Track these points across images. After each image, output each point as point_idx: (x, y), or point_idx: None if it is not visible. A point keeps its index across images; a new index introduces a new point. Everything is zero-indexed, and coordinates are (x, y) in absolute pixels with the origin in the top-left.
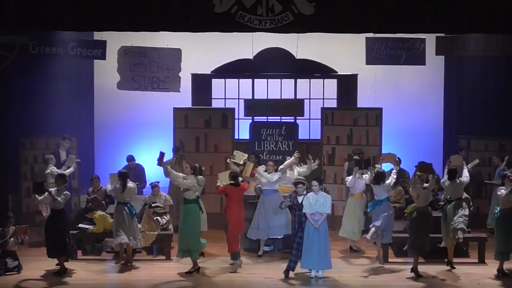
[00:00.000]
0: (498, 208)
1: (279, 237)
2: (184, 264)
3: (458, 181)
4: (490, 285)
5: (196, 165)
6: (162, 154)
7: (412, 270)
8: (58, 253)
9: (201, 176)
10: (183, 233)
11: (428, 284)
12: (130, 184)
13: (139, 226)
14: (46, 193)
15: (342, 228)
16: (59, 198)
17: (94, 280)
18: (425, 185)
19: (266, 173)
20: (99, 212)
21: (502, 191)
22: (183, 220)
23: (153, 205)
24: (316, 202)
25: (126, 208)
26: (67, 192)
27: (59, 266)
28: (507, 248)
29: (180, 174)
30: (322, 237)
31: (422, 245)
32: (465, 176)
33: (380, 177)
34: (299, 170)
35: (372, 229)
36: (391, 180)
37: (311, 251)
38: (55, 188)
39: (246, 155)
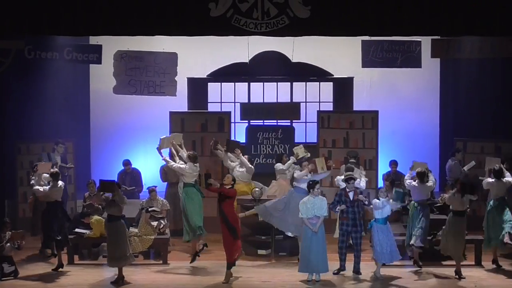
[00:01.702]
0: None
1: (292, 235)
2: (181, 268)
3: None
4: (487, 287)
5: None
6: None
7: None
8: (46, 245)
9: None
10: (188, 213)
11: (424, 286)
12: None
13: (136, 230)
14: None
15: (337, 229)
16: (40, 188)
17: (90, 285)
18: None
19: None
20: (96, 217)
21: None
22: (184, 201)
23: (150, 209)
24: (313, 206)
25: (123, 222)
26: (45, 187)
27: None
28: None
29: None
30: (320, 240)
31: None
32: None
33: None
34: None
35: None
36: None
37: (310, 255)
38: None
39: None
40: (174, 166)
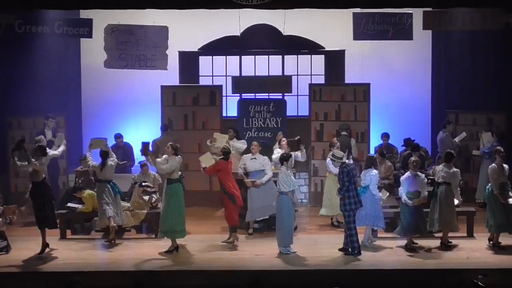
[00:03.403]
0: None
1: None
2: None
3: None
4: (479, 258)
5: (177, 145)
6: (144, 145)
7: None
8: (41, 226)
9: (179, 156)
10: (168, 212)
11: (416, 258)
12: (110, 162)
13: (128, 204)
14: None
15: (323, 206)
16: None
17: (83, 259)
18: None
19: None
20: (88, 191)
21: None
22: (167, 200)
23: (143, 184)
24: (293, 180)
25: (108, 186)
26: (36, 162)
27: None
28: (507, 220)
29: (159, 160)
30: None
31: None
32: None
33: (369, 163)
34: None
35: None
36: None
37: (290, 228)
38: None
39: (227, 136)
40: (164, 169)
